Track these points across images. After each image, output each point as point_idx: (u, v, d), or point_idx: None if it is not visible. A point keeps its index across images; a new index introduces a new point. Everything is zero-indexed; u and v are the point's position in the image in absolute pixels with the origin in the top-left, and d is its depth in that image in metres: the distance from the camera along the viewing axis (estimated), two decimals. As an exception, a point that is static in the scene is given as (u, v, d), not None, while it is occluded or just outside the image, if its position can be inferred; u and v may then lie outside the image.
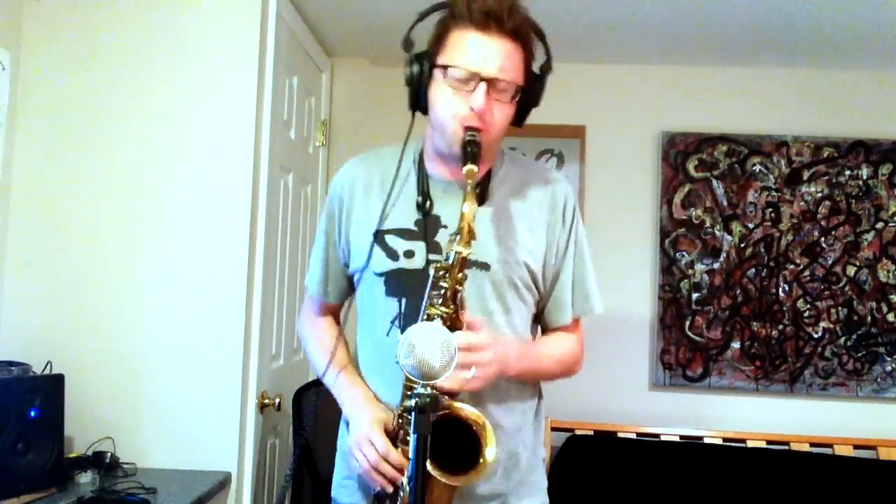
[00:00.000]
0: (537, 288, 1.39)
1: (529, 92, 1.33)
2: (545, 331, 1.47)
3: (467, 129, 1.25)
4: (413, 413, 1.02)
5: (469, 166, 1.20)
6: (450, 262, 1.19)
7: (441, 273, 1.20)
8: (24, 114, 2.18)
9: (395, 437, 1.23)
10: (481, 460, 1.16)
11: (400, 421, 1.23)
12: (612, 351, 2.99)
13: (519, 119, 1.35)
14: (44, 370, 2.00)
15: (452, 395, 1.18)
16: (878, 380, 2.93)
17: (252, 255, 2.20)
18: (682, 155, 3.02)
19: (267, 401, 2.28)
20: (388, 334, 1.33)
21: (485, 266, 1.32)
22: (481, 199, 1.33)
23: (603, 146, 3.05)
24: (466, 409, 1.18)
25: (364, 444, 1.23)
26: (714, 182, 3.01)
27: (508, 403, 1.36)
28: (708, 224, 3.00)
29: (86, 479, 1.93)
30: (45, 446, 1.82)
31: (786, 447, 2.82)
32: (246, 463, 2.18)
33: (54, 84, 2.19)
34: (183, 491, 1.92)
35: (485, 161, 1.34)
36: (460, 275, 1.19)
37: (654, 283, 3.02)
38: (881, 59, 2.90)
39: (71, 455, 2.01)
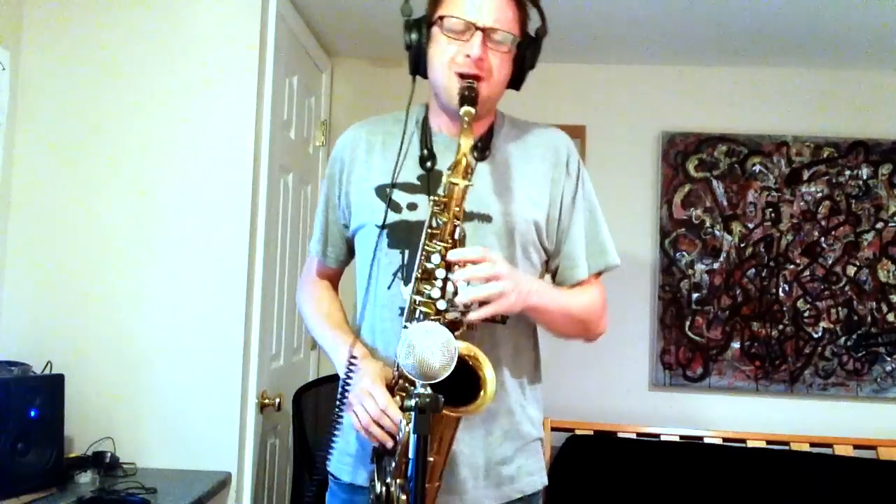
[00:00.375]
0: (543, 246, 1.38)
1: (525, 53, 1.33)
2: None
3: (464, 77, 1.26)
4: (413, 413, 1.02)
5: (466, 108, 1.22)
6: (448, 194, 1.18)
7: (438, 208, 1.19)
8: (24, 114, 2.18)
9: (392, 390, 1.22)
10: (483, 383, 1.14)
11: (398, 375, 1.21)
12: (612, 351, 2.98)
13: (516, 81, 1.36)
14: (44, 370, 2.00)
15: (455, 327, 1.15)
16: (878, 380, 2.93)
17: (252, 255, 2.20)
18: (682, 155, 3.02)
19: (267, 401, 2.28)
20: (389, 287, 1.33)
21: (486, 218, 1.31)
22: (483, 153, 1.35)
23: (603, 146, 3.05)
24: (464, 348, 1.15)
25: (365, 397, 1.21)
26: (714, 182, 3.01)
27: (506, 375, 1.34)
28: (708, 224, 3.00)
29: (86, 479, 1.93)
30: (45, 446, 1.82)
31: (786, 447, 2.82)
32: (246, 463, 2.18)
33: (54, 84, 2.19)
34: (183, 491, 1.92)
35: (485, 115, 1.36)
36: (457, 209, 1.18)
37: (654, 283, 3.02)
38: (881, 59, 2.90)
39: (71, 455, 2.01)
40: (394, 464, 1.17)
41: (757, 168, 3.00)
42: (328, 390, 2.39)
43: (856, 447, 2.82)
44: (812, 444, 2.82)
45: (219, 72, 2.19)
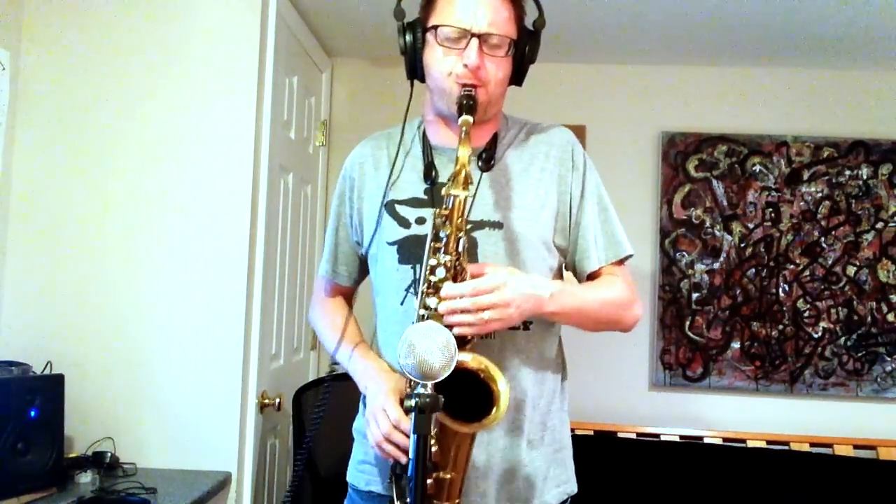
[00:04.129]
0: (556, 244, 1.37)
1: (524, 48, 1.32)
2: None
3: (463, 86, 1.25)
4: (413, 413, 1.02)
5: (464, 117, 1.21)
6: (449, 206, 1.17)
7: (441, 220, 1.19)
8: (24, 114, 2.18)
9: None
10: (496, 398, 1.12)
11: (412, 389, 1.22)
12: (612, 351, 2.99)
13: (517, 77, 1.35)
14: (44, 370, 2.00)
15: (462, 343, 1.14)
16: (878, 380, 2.93)
17: (252, 255, 2.20)
18: (682, 155, 3.02)
19: (267, 401, 2.28)
20: (402, 303, 1.33)
21: (497, 225, 1.31)
22: (488, 163, 1.34)
23: (603, 146, 3.05)
24: (466, 360, 1.14)
25: (379, 414, 1.22)
26: (714, 182, 3.01)
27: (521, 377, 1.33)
28: (708, 224, 3.00)
29: (86, 479, 1.93)
30: (45, 446, 1.82)
31: (786, 447, 2.82)
32: (246, 463, 2.18)
33: (54, 84, 2.19)
34: (183, 491, 1.92)
35: (489, 123, 1.35)
36: (460, 220, 1.17)
37: (654, 283, 3.02)
38: (881, 59, 2.90)
39: (71, 455, 2.01)
40: (411, 481, 1.16)
41: (757, 168, 3.00)
42: (327, 390, 2.39)
43: (856, 447, 2.82)
44: (812, 444, 2.82)
45: (219, 72, 2.19)
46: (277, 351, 2.50)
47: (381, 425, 1.20)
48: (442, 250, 1.18)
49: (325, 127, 3.01)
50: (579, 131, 3.04)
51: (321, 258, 1.53)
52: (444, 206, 1.19)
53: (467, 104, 1.23)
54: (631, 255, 1.41)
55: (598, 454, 2.79)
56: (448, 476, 1.15)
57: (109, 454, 2.04)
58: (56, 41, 2.19)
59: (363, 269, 1.49)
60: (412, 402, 1.02)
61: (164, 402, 2.14)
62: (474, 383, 1.13)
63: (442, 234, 1.18)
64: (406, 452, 1.16)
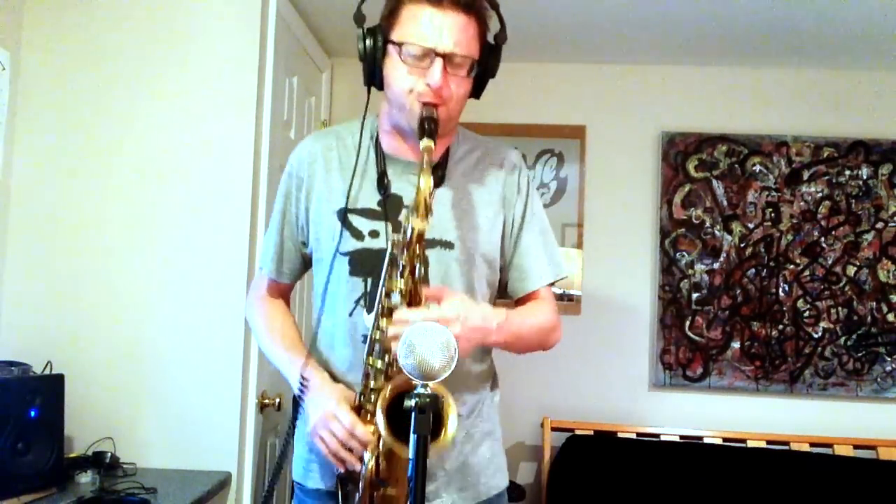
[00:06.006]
0: (500, 265, 1.41)
1: (486, 64, 1.31)
2: (516, 303, 1.46)
3: (425, 105, 1.24)
4: (413, 413, 1.02)
5: (426, 142, 1.20)
6: (407, 237, 1.18)
7: (398, 250, 1.20)
8: (24, 114, 2.18)
9: (358, 412, 1.23)
10: (441, 435, 1.15)
11: (362, 399, 1.24)
12: (612, 351, 2.99)
13: (476, 91, 1.34)
14: (44, 370, 2.00)
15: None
16: (878, 380, 2.93)
17: (252, 255, 2.20)
18: (682, 155, 3.02)
19: (267, 401, 2.28)
20: (351, 314, 1.33)
21: (449, 245, 1.33)
22: (440, 179, 1.35)
23: (603, 146, 3.05)
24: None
25: (331, 421, 1.23)
26: (714, 182, 3.01)
27: (465, 389, 1.36)
28: (708, 224, 3.00)
29: (86, 479, 1.93)
30: (45, 446, 1.82)
31: (786, 447, 2.83)
32: (246, 463, 2.18)
33: (54, 84, 2.19)
34: (183, 491, 1.92)
35: (444, 137, 1.34)
36: (416, 249, 1.19)
37: (654, 283, 3.02)
38: (881, 59, 2.90)
39: (71, 455, 2.01)
40: (358, 496, 1.19)
41: (757, 168, 3.00)
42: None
43: (856, 447, 2.82)
44: (812, 444, 2.82)
45: (219, 72, 2.19)
46: (277, 351, 2.50)
47: (336, 431, 1.21)
48: (399, 274, 1.19)
49: (324, 127, 3.01)
50: (579, 131, 3.05)
51: (261, 255, 1.51)
52: (402, 233, 1.20)
53: (429, 128, 1.22)
54: (565, 277, 1.46)
55: (598, 454, 2.79)
56: (393, 492, 1.18)
57: (109, 454, 2.04)
58: (56, 41, 2.19)
59: (304, 266, 1.49)
60: (412, 402, 1.02)
61: (164, 402, 2.14)
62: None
63: (399, 261, 1.20)
64: (361, 459, 1.19)
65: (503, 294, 1.46)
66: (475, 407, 1.40)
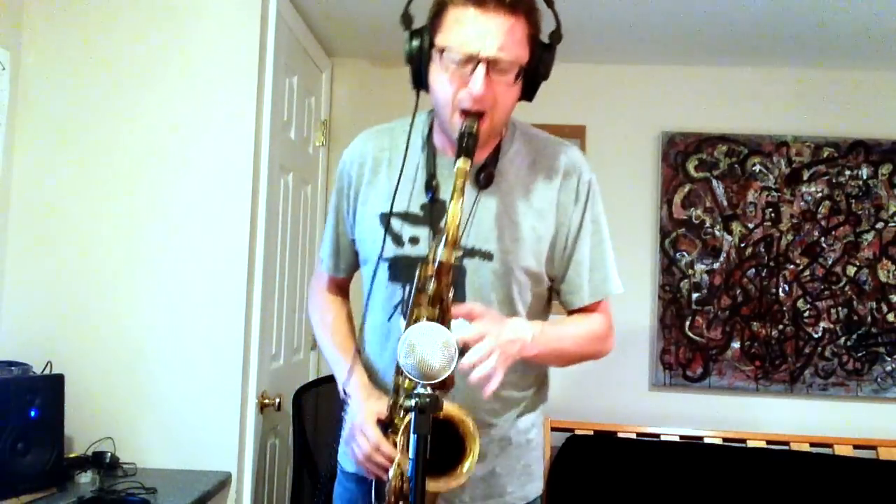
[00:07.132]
0: (548, 274, 1.36)
1: (537, 65, 1.25)
2: (569, 313, 1.43)
3: (466, 114, 1.18)
4: (413, 413, 1.02)
5: (461, 163, 1.13)
6: (436, 269, 1.13)
7: (425, 278, 1.17)
8: (24, 114, 2.18)
9: (387, 425, 1.24)
10: (459, 468, 1.16)
11: (392, 412, 1.24)
12: (612, 351, 2.98)
13: (528, 94, 1.28)
14: (44, 370, 1.99)
15: (447, 388, 1.12)
16: (878, 380, 2.93)
17: (252, 255, 2.20)
18: (682, 155, 3.02)
19: (267, 401, 2.28)
20: (390, 319, 1.34)
21: (488, 256, 1.29)
22: (487, 181, 1.29)
23: (603, 146, 3.05)
24: (456, 411, 1.17)
25: (358, 435, 1.26)
26: (714, 182, 3.01)
27: (505, 393, 1.33)
28: (708, 224, 3.00)
29: (86, 479, 1.93)
30: (45, 446, 1.82)
31: (786, 447, 2.83)
32: (246, 463, 2.18)
33: (54, 84, 2.19)
34: (183, 491, 1.92)
35: (492, 138, 1.30)
36: (444, 280, 1.13)
37: (654, 283, 3.02)
38: (881, 59, 2.90)
39: (71, 455, 2.01)
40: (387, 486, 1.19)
41: (757, 168, 3.00)
42: (328, 390, 2.39)
43: (856, 447, 2.82)
44: (812, 444, 2.82)
45: (219, 72, 2.19)
46: (277, 351, 2.50)
47: (362, 446, 1.25)
48: (428, 302, 1.14)
49: (325, 127, 3.01)
50: (579, 131, 3.04)
51: (321, 250, 1.53)
52: (429, 263, 1.16)
53: (466, 145, 1.15)
54: (618, 293, 1.41)
55: (598, 454, 2.79)
56: None
57: (109, 454, 2.04)
58: (56, 41, 2.19)
59: (359, 261, 1.49)
60: (412, 402, 1.02)
61: (164, 402, 2.13)
62: (448, 432, 1.16)
63: (426, 288, 1.15)
64: (387, 472, 1.20)
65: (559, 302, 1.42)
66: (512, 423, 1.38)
